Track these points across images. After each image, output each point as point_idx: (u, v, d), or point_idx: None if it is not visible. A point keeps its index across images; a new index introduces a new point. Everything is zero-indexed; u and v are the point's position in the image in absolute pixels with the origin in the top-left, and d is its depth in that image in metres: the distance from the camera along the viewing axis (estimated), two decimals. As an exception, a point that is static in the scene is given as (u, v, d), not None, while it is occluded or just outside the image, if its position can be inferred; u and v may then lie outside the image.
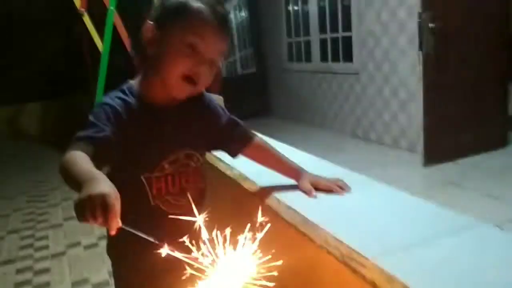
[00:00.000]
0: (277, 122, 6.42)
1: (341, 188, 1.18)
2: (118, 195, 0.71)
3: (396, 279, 0.77)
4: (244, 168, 1.50)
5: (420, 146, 3.98)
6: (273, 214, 1.15)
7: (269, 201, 1.22)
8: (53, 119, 7.34)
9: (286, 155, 1.28)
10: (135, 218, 1.01)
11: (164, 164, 1.06)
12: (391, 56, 4.48)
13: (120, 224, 0.71)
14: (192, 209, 1.07)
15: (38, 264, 2.68)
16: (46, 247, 2.93)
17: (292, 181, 1.26)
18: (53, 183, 4.39)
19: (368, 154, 4.49)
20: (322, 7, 5.64)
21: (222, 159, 1.66)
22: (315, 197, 1.17)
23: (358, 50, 4.97)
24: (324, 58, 5.75)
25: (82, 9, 3.97)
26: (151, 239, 0.76)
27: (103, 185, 0.71)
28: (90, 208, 0.68)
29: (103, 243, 2.87)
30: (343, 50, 5.35)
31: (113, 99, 1.03)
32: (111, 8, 3.83)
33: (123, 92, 1.06)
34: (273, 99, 7.05)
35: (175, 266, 0.76)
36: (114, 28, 4.00)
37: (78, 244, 2.91)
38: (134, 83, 1.09)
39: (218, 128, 1.19)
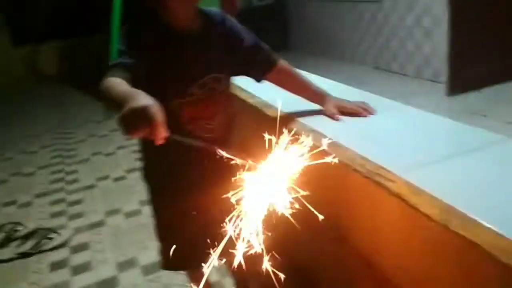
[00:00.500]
0: (295, 56, 6.29)
1: (366, 110, 1.18)
2: (159, 107, 0.73)
3: (423, 191, 0.79)
4: (267, 95, 1.50)
5: (444, 76, 3.89)
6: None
7: (294, 125, 1.23)
8: (70, 59, 7.36)
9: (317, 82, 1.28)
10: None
11: (193, 89, 1.07)
12: (416, -19, 4.26)
13: (165, 133, 0.72)
14: (224, 132, 1.10)
15: (71, 196, 2.81)
16: (76, 180, 3.05)
17: (317, 106, 1.27)
18: (77, 121, 4.49)
19: (390, 85, 4.42)
20: None
21: (244, 88, 1.66)
22: (340, 120, 1.18)
23: (381, -24, 4.74)
24: (344, -15, 5.51)
25: None
26: (200, 144, 0.80)
27: (144, 98, 0.74)
28: (133, 120, 0.70)
29: (131, 176, 2.98)
30: (365, -23, 5.11)
31: (139, 25, 1.04)
32: None
33: (144, 17, 1.06)
34: (291, 31, 6.86)
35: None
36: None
37: (107, 177, 3.03)
38: (153, 13, 1.08)
39: (241, 51, 1.18)
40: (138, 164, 3.06)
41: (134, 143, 3.61)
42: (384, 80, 4.67)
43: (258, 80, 1.25)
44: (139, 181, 2.82)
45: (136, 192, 2.71)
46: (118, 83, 0.86)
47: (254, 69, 1.23)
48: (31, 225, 2.44)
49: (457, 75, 3.76)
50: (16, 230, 2.38)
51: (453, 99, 3.77)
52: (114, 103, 0.79)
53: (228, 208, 0.71)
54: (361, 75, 4.91)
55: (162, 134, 0.72)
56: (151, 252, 2.10)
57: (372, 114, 1.18)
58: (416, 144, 0.99)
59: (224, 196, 0.71)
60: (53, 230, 2.34)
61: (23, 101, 5.85)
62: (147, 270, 1.99)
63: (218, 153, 0.76)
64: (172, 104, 1.06)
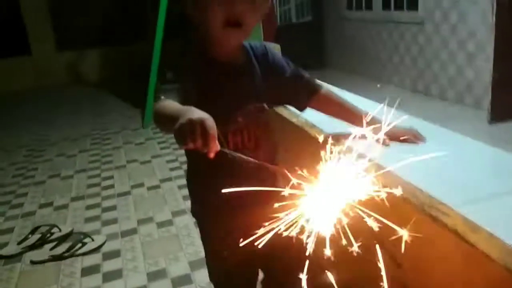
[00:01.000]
0: (332, 74, 6.26)
1: (416, 137, 1.15)
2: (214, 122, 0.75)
3: (480, 228, 0.76)
4: (310, 115, 1.48)
5: (486, 103, 3.79)
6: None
7: (341, 148, 1.21)
8: (112, 65, 7.56)
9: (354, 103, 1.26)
10: (214, 172, 1.06)
11: (237, 117, 1.08)
12: (461, 4, 4.19)
13: (219, 147, 0.75)
14: (268, 163, 1.09)
15: (106, 202, 2.85)
16: (112, 186, 3.10)
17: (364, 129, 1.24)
18: (115, 127, 4.59)
19: (429, 109, 4.32)
20: (387, -49, 5.30)
21: (287, 106, 1.65)
22: (388, 145, 1.15)
23: (425, -2, 4.69)
24: (386, 5, 5.46)
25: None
26: (252, 160, 0.82)
27: (201, 113, 0.76)
28: (190, 131, 0.72)
29: (165, 185, 3.01)
30: (407, -2, 5.06)
31: (186, 56, 1.08)
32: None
33: (193, 50, 1.10)
34: (329, 49, 6.84)
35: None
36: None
37: (141, 185, 3.06)
38: (197, 45, 1.11)
39: (283, 81, 1.20)
40: (173, 174, 3.13)
41: (168, 152, 3.66)
42: (423, 103, 4.57)
43: (301, 109, 1.25)
44: (173, 191, 2.88)
45: (169, 202, 2.73)
46: (171, 103, 0.89)
47: (297, 99, 1.25)
48: (66, 228, 2.49)
49: (500, 102, 3.65)
50: (52, 233, 2.43)
51: (495, 127, 3.65)
52: (168, 122, 0.81)
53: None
54: (399, 97, 4.82)
55: (215, 147, 0.75)
56: (181, 263, 2.11)
57: (422, 142, 1.15)
58: (469, 177, 0.95)
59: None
60: (87, 235, 2.38)
61: (64, 104, 6.04)
62: (177, 282, 1.98)
63: (270, 168, 0.80)
64: (218, 134, 1.07)
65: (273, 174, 1.22)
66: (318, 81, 1.28)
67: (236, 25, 1.01)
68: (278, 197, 0.74)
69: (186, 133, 0.73)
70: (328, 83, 1.33)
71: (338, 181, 0.76)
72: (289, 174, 0.76)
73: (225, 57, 1.09)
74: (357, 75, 6.03)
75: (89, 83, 7.20)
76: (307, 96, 1.23)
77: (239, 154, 0.83)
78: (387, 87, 5.31)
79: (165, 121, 0.82)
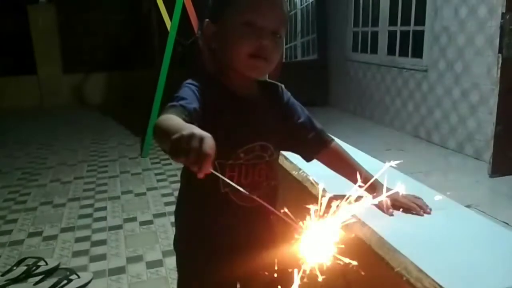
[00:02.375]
0: (334, 113, 6.28)
1: (421, 208, 1.10)
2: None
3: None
4: (312, 170, 1.44)
5: (486, 154, 3.77)
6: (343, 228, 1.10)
7: (338, 211, 1.17)
8: (115, 90, 7.60)
9: (359, 161, 1.22)
10: (205, 206, 1.07)
11: (240, 153, 1.04)
12: (466, 56, 4.22)
13: (211, 169, 0.71)
14: (262, 205, 1.05)
15: (96, 235, 2.78)
16: (104, 218, 3.03)
17: (365, 192, 1.20)
18: (113, 155, 4.55)
19: (429, 156, 4.30)
20: (395, -3, 5.39)
21: (289, 157, 1.61)
22: (392, 215, 1.10)
23: (429, 46, 4.73)
24: (391, 51, 5.52)
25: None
26: (243, 190, 0.79)
27: (202, 130, 0.71)
28: (187, 143, 0.68)
29: (158, 221, 2.94)
30: (412, 45, 5.11)
31: (196, 82, 1.02)
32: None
33: (203, 77, 1.05)
34: (333, 89, 6.88)
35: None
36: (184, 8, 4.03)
37: (134, 219, 2.99)
38: (210, 75, 1.08)
39: (295, 127, 1.17)
40: (167, 208, 3.07)
41: (164, 185, 3.61)
42: (423, 150, 4.55)
43: (308, 160, 1.21)
44: (165, 228, 2.81)
45: (161, 240, 2.66)
46: (175, 117, 0.84)
47: (305, 148, 1.21)
48: (52, 262, 2.41)
49: (502, 156, 3.62)
50: (38, 266, 2.35)
51: (496, 180, 3.61)
52: (170, 130, 0.76)
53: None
54: (400, 141, 4.82)
55: (207, 168, 0.69)
56: (169, 310, 2.02)
57: (428, 213, 1.10)
58: (479, 261, 0.90)
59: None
60: (73, 271, 2.30)
61: (65, 126, 6.02)
62: (163, 330, 1.90)
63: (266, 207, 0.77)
64: (214, 163, 1.02)
65: (268, 218, 1.18)
66: (329, 135, 1.24)
67: (260, 58, 1.00)
68: (271, 241, 0.71)
69: (182, 144, 0.68)
70: (328, 122, 1.30)
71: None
72: (289, 214, 0.73)
73: (238, 89, 1.06)
74: (359, 116, 6.04)
75: (93, 107, 7.21)
76: (317, 148, 1.20)
77: (230, 182, 0.81)
78: (388, 131, 5.31)
79: (165, 131, 0.77)
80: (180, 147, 0.69)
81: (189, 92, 0.98)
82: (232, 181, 1.05)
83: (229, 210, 1.06)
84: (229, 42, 1.01)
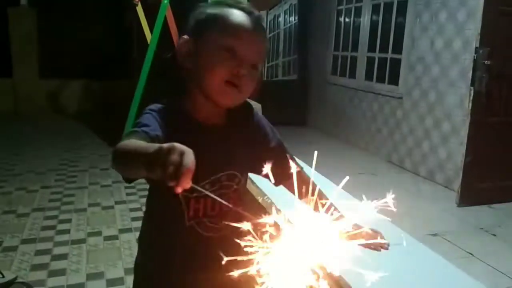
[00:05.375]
0: (311, 134, 6.33)
1: (381, 246, 1.10)
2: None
3: None
4: (278, 197, 1.44)
5: (456, 184, 3.84)
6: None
7: (297, 239, 1.16)
8: (92, 98, 7.49)
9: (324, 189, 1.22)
10: (169, 238, 1.05)
11: (205, 185, 1.01)
12: (440, 86, 4.32)
13: (189, 184, 0.67)
14: (230, 234, 1.03)
15: (58, 249, 2.70)
16: (67, 231, 2.95)
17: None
18: (83, 165, 4.46)
19: (401, 182, 4.36)
20: (375, 25, 5.51)
21: (256, 182, 1.61)
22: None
23: (405, 74, 4.83)
24: (369, 76, 5.62)
25: (137, 1, 4.00)
26: (222, 201, 0.78)
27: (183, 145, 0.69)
28: (166, 155, 0.65)
29: (124, 237, 2.88)
30: (389, 72, 5.22)
31: (159, 109, 1.00)
32: (165, 1, 3.84)
33: (167, 107, 1.03)
34: (311, 109, 6.95)
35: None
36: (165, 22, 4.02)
37: (99, 233, 2.93)
38: (176, 99, 1.05)
39: (264, 152, 1.12)
40: (133, 224, 3.00)
41: (133, 200, 3.55)
42: (395, 175, 4.62)
43: (276, 185, 1.20)
44: (130, 244, 2.75)
45: (124, 257, 2.60)
46: (140, 141, 0.81)
47: (275, 173, 1.18)
48: (9, 275, 2.32)
49: (470, 187, 3.70)
50: (-7, 279, 2.27)
51: (463, 210, 3.68)
52: (141, 150, 0.74)
53: None
54: (372, 166, 4.88)
55: (186, 183, 0.66)
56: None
57: (385, 249, 1.10)
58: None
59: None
60: (30, 286, 2.22)
61: (37, 133, 5.89)
62: None
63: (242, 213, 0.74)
64: (178, 197, 1.00)
65: (235, 246, 1.15)
66: (298, 162, 1.23)
67: (235, 86, 0.97)
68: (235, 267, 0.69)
69: (161, 156, 0.66)
70: (305, 142, 1.29)
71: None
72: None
73: (206, 118, 1.03)
74: (335, 138, 6.10)
75: (68, 114, 7.09)
76: (286, 174, 1.18)
77: (210, 193, 0.79)
78: (362, 154, 5.37)
79: (133, 152, 0.75)
80: (158, 160, 0.66)
81: (151, 119, 0.96)
82: (198, 214, 1.04)
83: (195, 241, 1.04)
84: (207, 63, 0.97)
